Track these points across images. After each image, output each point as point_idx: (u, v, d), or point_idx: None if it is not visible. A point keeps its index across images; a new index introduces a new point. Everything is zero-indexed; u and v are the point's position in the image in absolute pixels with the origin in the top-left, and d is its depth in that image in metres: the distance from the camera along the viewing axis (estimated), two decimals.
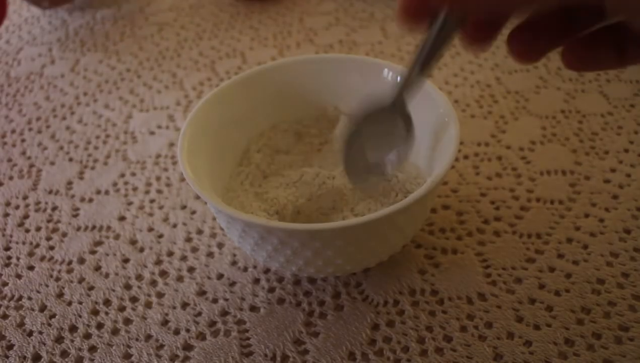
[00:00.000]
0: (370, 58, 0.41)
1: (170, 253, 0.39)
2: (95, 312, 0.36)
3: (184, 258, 0.38)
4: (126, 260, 0.39)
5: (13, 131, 0.52)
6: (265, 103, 0.41)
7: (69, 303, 0.36)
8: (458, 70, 0.54)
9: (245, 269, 0.37)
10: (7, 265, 0.39)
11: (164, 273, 0.37)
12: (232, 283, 0.37)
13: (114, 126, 0.51)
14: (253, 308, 0.35)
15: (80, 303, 0.36)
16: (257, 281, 0.36)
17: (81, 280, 0.38)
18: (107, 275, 0.38)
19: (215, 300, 0.36)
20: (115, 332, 0.34)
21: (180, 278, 0.37)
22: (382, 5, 0.67)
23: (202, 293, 0.36)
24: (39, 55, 0.63)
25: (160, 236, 0.40)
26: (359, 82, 0.40)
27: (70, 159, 0.48)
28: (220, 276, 0.37)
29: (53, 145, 0.50)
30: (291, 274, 0.37)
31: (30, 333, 0.35)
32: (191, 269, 0.38)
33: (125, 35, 0.66)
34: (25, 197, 0.45)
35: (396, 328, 0.33)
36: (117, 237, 0.40)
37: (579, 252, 0.36)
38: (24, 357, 0.33)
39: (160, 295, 0.36)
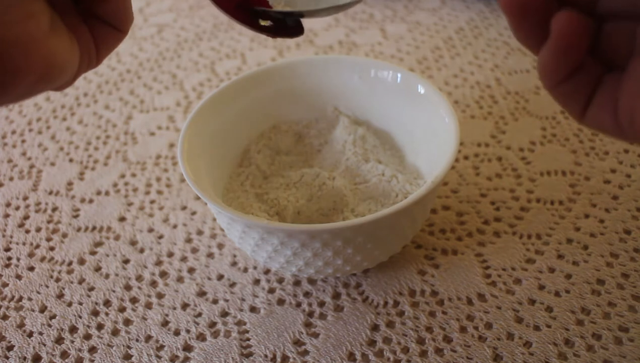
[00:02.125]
0: (369, 59, 0.41)
1: (170, 254, 0.39)
2: (95, 313, 0.36)
3: (184, 259, 0.38)
4: (126, 261, 0.39)
5: (13, 132, 0.52)
6: (265, 104, 0.41)
7: (69, 304, 0.36)
8: (458, 71, 0.54)
9: (246, 270, 0.37)
10: (8, 266, 0.39)
11: (164, 274, 0.38)
12: (232, 284, 0.37)
13: (114, 127, 0.51)
14: (253, 309, 0.35)
15: (81, 304, 0.36)
16: (257, 282, 0.36)
17: (81, 281, 0.38)
18: (107, 276, 0.38)
19: (215, 301, 0.36)
20: (115, 332, 0.34)
21: (180, 279, 0.37)
22: (382, 6, 0.67)
23: (202, 294, 0.36)
24: None
25: (161, 237, 0.40)
26: (358, 83, 0.40)
27: (71, 160, 0.48)
28: (220, 277, 0.37)
29: (53, 146, 0.50)
30: (291, 275, 0.37)
31: (30, 334, 0.35)
32: (191, 270, 0.38)
33: None
34: (25, 198, 0.45)
35: (396, 329, 0.33)
36: (117, 237, 0.40)
37: (579, 253, 0.36)
38: (24, 358, 0.33)
39: (160, 295, 0.36)
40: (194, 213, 0.42)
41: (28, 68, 0.21)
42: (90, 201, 0.44)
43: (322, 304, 0.35)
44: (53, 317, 0.36)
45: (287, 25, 0.30)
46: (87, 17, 0.24)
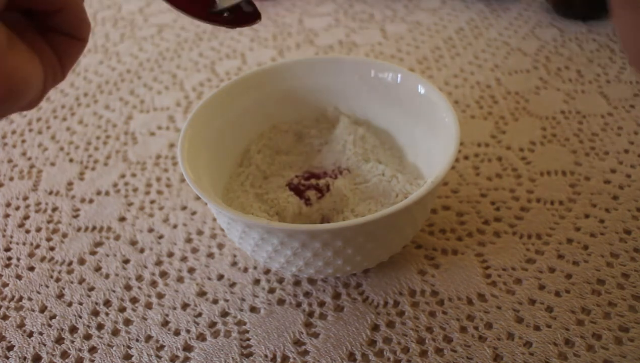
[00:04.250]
0: (369, 59, 0.41)
1: (170, 254, 0.39)
2: (95, 313, 0.36)
3: (184, 259, 0.38)
4: (126, 261, 0.39)
5: (14, 132, 0.52)
6: (265, 104, 0.41)
7: (69, 304, 0.36)
8: (458, 71, 0.54)
9: (246, 270, 0.37)
10: (8, 266, 0.39)
11: (164, 274, 0.38)
12: (233, 284, 0.37)
13: (114, 127, 0.51)
14: (253, 309, 0.35)
15: (81, 304, 0.36)
16: (257, 282, 0.36)
17: (81, 281, 0.38)
18: (107, 276, 0.38)
19: (215, 301, 0.36)
20: (115, 332, 0.34)
21: (180, 279, 0.37)
22: (382, 6, 0.67)
23: (202, 294, 0.36)
24: None
25: (161, 237, 0.40)
26: (358, 83, 0.40)
27: (71, 160, 0.48)
28: (220, 277, 0.37)
29: (53, 146, 0.50)
30: (291, 275, 0.37)
31: (30, 334, 0.35)
32: (191, 270, 0.38)
33: (125, 36, 0.66)
34: (25, 198, 0.45)
35: (396, 329, 0.33)
36: (117, 237, 0.40)
37: (579, 253, 0.36)
38: (24, 358, 0.33)
39: (160, 295, 0.36)
40: (194, 213, 0.42)
41: None
42: (90, 201, 0.44)
43: (322, 304, 0.35)
44: (53, 317, 0.36)
45: (244, 13, 0.29)
46: (44, 31, 0.24)
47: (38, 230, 0.42)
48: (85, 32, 0.25)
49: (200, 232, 0.40)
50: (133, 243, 0.40)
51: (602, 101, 0.49)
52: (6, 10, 0.22)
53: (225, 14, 0.29)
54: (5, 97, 0.21)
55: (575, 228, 0.38)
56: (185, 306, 0.35)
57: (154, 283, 0.37)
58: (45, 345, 0.34)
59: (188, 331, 0.34)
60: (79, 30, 0.25)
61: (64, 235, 0.41)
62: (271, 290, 0.36)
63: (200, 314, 0.35)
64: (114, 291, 0.37)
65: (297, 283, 0.36)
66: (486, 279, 0.35)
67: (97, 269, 0.38)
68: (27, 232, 0.42)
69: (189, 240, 0.40)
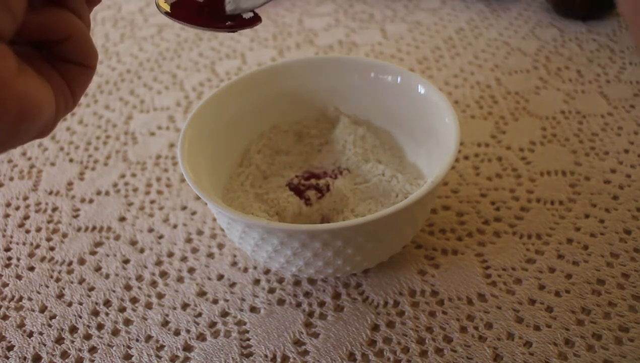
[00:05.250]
0: (369, 59, 0.41)
1: (170, 254, 0.39)
2: (95, 313, 0.36)
3: (184, 259, 0.38)
4: (126, 261, 0.39)
5: None
6: (265, 104, 0.41)
7: (70, 304, 0.36)
8: (458, 71, 0.54)
9: (246, 270, 0.37)
10: (8, 265, 0.39)
11: (164, 274, 0.38)
12: (233, 284, 0.37)
13: (114, 127, 0.51)
14: (253, 309, 0.35)
15: (81, 304, 0.36)
16: (257, 282, 0.36)
17: (81, 281, 0.38)
18: (107, 276, 0.38)
19: (215, 301, 0.36)
20: (115, 332, 0.34)
21: (180, 279, 0.37)
22: (382, 6, 0.67)
23: (202, 294, 0.36)
24: None
25: (161, 237, 0.40)
26: (358, 83, 0.40)
27: (71, 160, 0.48)
28: (220, 277, 0.37)
29: (53, 146, 0.50)
30: (291, 275, 0.37)
31: (30, 334, 0.35)
32: (191, 270, 0.38)
33: (125, 36, 0.66)
34: (25, 198, 0.45)
35: (396, 329, 0.33)
36: (117, 237, 0.40)
37: (579, 253, 0.36)
38: (24, 358, 0.33)
39: (160, 295, 0.36)
40: (194, 213, 0.42)
41: (2, 109, 0.20)
42: (90, 201, 0.44)
43: (322, 304, 0.35)
44: (53, 317, 0.36)
45: (245, 18, 0.30)
46: (53, 60, 0.25)
47: (38, 230, 0.42)
48: (93, 59, 0.26)
49: (200, 232, 0.40)
50: (133, 243, 0.40)
51: (602, 101, 0.49)
52: (14, 43, 0.22)
53: (227, 22, 0.29)
54: (19, 120, 0.21)
55: (575, 228, 0.38)
56: (185, 306, 0.35)
57: (154, 283, 0.37)
58: (45, 345, 0.34)
59: (188, 331, 0.34)
60: (86, 58, 0.25)
61: (64, 235, 0.41)
62: (271, 290, 0.36)
63: (200, 314, 0.35)
64: (114, 291, 0.37)
65: (297, 283, 0.36)
66: (486, 279, 0.35)
67: (97, 269, 0.38)
68: (27, 232, 0.42)
69: (189, 240, 0.40)
